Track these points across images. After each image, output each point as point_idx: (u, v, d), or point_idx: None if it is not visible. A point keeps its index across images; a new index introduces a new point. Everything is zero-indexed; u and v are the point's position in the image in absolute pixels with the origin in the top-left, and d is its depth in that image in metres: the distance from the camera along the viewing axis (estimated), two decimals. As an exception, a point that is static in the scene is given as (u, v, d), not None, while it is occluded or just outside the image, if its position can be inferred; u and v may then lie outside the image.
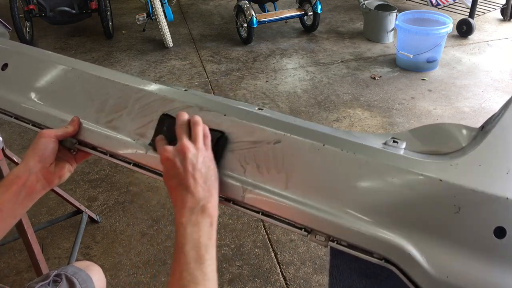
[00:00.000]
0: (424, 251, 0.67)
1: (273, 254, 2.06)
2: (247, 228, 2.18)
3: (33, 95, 1.03)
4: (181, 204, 0.74)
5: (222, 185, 0.81)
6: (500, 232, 0.64)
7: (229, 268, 1.97)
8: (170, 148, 0.78)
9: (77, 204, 2.12)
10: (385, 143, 0.78)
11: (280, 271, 1.98)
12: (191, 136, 0.79)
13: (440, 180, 0.67)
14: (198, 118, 0.81)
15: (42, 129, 0.96)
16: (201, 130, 0.79)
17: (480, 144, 0.70)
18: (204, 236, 0.71)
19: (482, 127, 0.79)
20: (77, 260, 2.00)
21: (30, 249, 1.58)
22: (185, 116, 0.82)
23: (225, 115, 0.84)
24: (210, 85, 3.49)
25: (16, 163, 1.79)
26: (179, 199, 0.75)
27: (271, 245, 2.10)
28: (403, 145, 0.78)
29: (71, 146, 0.94)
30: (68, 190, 2.38)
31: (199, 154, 0.76)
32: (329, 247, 0.75)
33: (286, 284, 1.92)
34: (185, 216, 0.72)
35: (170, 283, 0.68)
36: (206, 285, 0.67)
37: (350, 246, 0.72)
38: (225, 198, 0.83)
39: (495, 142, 0.70)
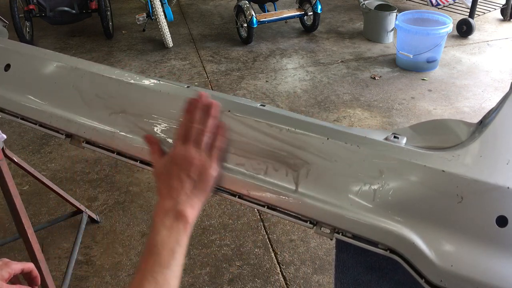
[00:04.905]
0: (429, 240, 0.68)
1: (273, 254, 2.06)
2: (247, 228, 2.18)
3: (37, 96, 1.03)
4: (161, 201, 0.75)
5: (228, 179, 0.82)
6: (502, 221, 0.65)
7: (229, 268, 1.97)
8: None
9: (77, 204, 2.12)
10: (385, 139, 0.79)
11: (280, 271, 1.98)
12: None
13: (443, 171, 0.68)
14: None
15: (49, 129, 0.97)
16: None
17: (481, 136, 0.71)
18: (173, 241, 0.71)
19: (481, 122, 0.80)
20: (77, 260, 2.00)
21: (30, 249, 1.57)
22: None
23: (229, 111, 0.85)
24: (210, 85, 3.49)
25: (16, 163, 1.80)
26: (162, 193, 0.76)
27: (271, 245, 2.10)
28: (404, 141, 0.79)
29: (78, 145, 0.94)
30: (68, 190, 2.38)
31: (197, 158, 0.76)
32: (335, 241, 0.75)
33: (286, 284, 1.92)
34: (159, 216, 0.73)
35: (133, 281, 0.69)
36: None
37: (355, 237, 0.73)
38: (230, 193, 0.83)
39: (495, 134, 0.71)
